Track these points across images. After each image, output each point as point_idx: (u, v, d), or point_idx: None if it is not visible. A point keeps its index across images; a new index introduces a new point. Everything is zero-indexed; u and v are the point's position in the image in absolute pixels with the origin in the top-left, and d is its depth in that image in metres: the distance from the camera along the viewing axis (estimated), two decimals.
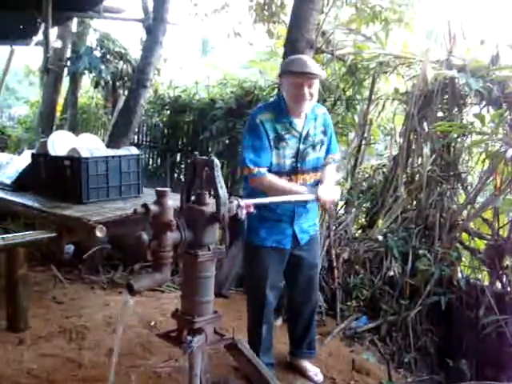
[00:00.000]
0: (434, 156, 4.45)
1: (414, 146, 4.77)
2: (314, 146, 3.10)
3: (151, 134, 7.09)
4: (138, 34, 7.53)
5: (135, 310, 4.27)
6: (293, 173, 3.07)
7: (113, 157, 4.46)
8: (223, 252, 2.37)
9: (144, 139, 7.18)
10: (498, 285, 4.20)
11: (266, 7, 7.03)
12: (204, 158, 2.34)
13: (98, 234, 3.69)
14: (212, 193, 2.31)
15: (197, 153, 2.43)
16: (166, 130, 6.97)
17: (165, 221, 2.15)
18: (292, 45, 4.75)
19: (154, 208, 2.12)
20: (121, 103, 6.80)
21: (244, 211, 2.49)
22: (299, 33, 4.72)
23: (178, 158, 6.85)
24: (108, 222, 3.79)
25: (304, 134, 3.06)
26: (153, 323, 4.08)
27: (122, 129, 5.76)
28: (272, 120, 3.01)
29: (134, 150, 4.73)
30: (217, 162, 2.29)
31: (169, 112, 6.95)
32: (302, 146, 3.05)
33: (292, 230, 3.14)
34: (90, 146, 4.63)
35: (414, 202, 4.70)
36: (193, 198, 2.39)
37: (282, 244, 3.15)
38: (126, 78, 7.08)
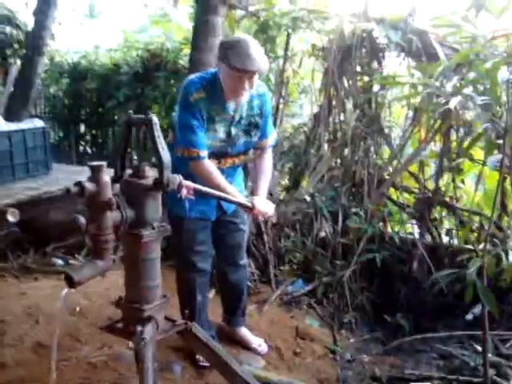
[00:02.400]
0: (357, 112, 4.36)
1: (334, 103, 4.66)
2: (246, 131, 2.89)
3: (49, 104, 6.53)
4: None
5: (55, 296, 3.91)
6: (222, 156, 2.87)
7: (16, 131, 4.03)
8: (168, 229, 2.12)
9: (42, 110, 6.61)
10: (429, 237, 4.25)
11: None
12: (140, 116, 2.06)
13: (10, 218, 3.32)
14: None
15: (131, 111, 2.13)
16: (66, 100, 6.44)
17: (103, 200, 1.86)
18: (204, 0, 4.46)
19: (89, 186, 1.83)
20: (13, 73, 6.18)
21: (184, 191, 2.25)
22: None
23: (83, 129, 6.37)
24: (20, 203, 3.41)
25: (237, 118, 2.82)
26: (78, 309, 3.75)
27: (20, 101, 5.24)
28: (206, 99, 2.72)
29: (39, 123, 4.31)
30: (155, 119, 2.03)
31: (68, 80, 6.42)
32: (233, 130, 2.83)
33: (217, 200, 2.94)
34: None
35: (339, 160, 4.61)
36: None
37: (206, 215, 2.99)
38: (16, 45, 6.43)
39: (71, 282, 1.80)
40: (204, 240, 3.06)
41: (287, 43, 4.98)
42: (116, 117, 6.14)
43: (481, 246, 3.95)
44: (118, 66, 5.92)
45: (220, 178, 2.78)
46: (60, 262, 4.69)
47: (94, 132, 6.40)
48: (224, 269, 3.28)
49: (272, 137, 3.06)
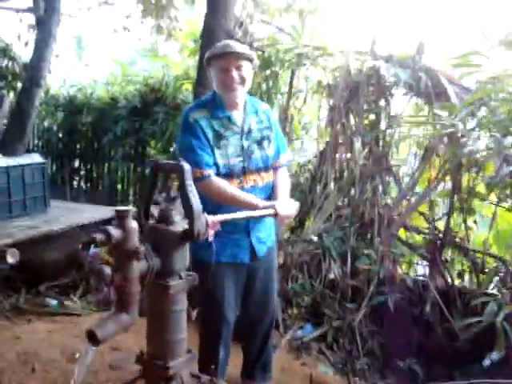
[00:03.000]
0: (366, 149, 4.27)
1: (340, 140, 4.58)
2: (259, 143, 2.74)
3: (43, 138, 6.37)
4: (20, 27, 6.70)
5: (52, 340, 3.72)
6: (241, 174, 2.69)
7: (14, 166, 3.87)
8: (196, 278, 1.97)
9: (36, 144, 6.44)
10: (440, 280, 4.13)
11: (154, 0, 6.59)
12: (169, 162, 1.93)
13: (10, 259, 3.13)
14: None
15: (158, 158, 1.99)
16: (60, 134, 6.29)
17: (130, 248, 1.72)
18: (209, 35, 4.38)
19: (116, 233, 1.68)
20: (6, 105, 6.03)
21: (211, 232, 2.11)
22: (216, 22, 4.37)
23: (77, 164, 6.21)
24: (19, 243, 3.23)
25: (246, 129, 2.71)
26: (77, 355, 3.54)
27: (16, 133, 5.08)
28: (207, 117, 2.65)
29: (37, 158, 4.15)
30: (187, 166, 1.89)
31: (63, 114, 6.28)
32: (245, 143, 2.69)
33: (249, 241, 2.75)
34: None
35: (346, 199, 4.49)
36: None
37: (238, 258, 2.76)
38: (10, 77, 6.30)
39: (95, 340, 1.63)
40: (234, 288, 2.81)
41: (291, 80, 4.92)
42: (112, 152, 5.99)
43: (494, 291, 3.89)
44: (115, 100, 5.80)
45: (232, 189, 2.61)
46: (54, 302, 4.48)
47: (88, 167, 6.24)
48: (250, 318, 3.00)
49: (286, 155, 2.93)
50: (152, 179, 1.96)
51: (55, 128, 6.33)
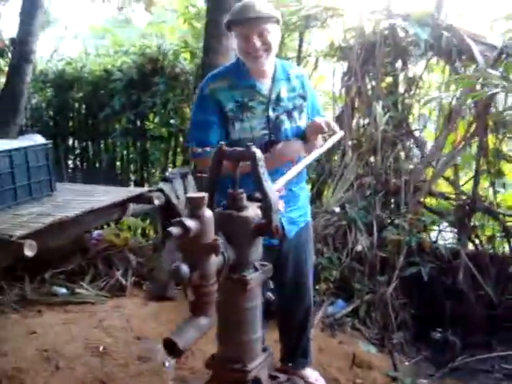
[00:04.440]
0: (387, 114, 4.06)
1: (356, 105, 4.37)
2: (289, 113, 2.46)
3: (33, 116, 6.03)
4: None
5: (70, 333, 3.50)
6: (269, 147, 2.43)
7: (17, 149, 3.58)
8: (270, 269, 1.76)
9: (25, 123, 6.08)
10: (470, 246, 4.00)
11: None
12: (237, 148, 1.70)
13: (28, 252, 2.88)
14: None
15: (223, 143, 1.75)
16: (51, 111, 5.95)
17: (207, 241, 1.50)
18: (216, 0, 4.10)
19: (193, 226, 1.45)
20: None
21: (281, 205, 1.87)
22: None
23: (71, 142, 5.89)
24: (35, 233, 2.98)
25: (273, 97, 2.42)
26: (101, 348, 3.33)
27: (9, 113, 4.75)
28: (229, 87, 2.40)
29: (40, 139, 3.87)
30: (259, 153, 1.66)
31: (52, 90, 5.92)
32: (272, 114, 2.42)
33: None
34: None
35: (366, 167, 4.30)
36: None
37: (266, 240, 2.53)
38: None
39: (176, 350, 1.42)
40: None
41: (300, 44, 4.66)
42: (109, 127, 5.68)
43: None
44: (109, 73, 5.47)
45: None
46: (63, 290, 4.24)
47: (83, 145, 5.93)
48: (285, 303, 2.79)
49: None
50: (216, 166, 1.72)
51: (44, 105, 5.99)
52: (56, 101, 5.84)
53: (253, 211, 1.67)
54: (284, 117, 2.45)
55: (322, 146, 2.44)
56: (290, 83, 2.48)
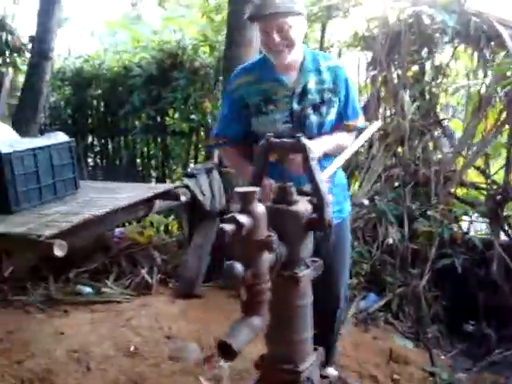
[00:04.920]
0: (415, 104, 3.97)
1: (382, 95, 4.28)
2: (315, 106, 2.35)
3: (52, 115, 5.99)
4: None
5: (99, 333, 3.46)
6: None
7: (41, 148, 3.53)
8: (321, 265, 1.69)
9: (44, 122, 6.05)
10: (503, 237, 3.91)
11: None
12: (286, 140, 1.63)
13: (58, 252, 2.82)
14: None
15: (271, 134, 1.68)
16: (69, 109, 5.91)
17: (260, 238, 1.43)
18: None
19: (246, 222, 1.39)
20: (7, 83, 5.63)
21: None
22: None
23: (90, 140, 5.85)
24: (64, 233, 2.93)
25: (298, 90, 2.33)
26: (132, 348, 3.28)
27: (29, 112, 4.71)
28: (255, 81, 2.36)
29: (63, 137, 3.81)
30: (309, 145, 1.59)
31: (70, 88, 5.88)
32: (296, 106, 2.33)
33: None
34: (3, 137, 3.67)
35: (394, 158, 4.22)
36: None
37: None
38: (7, 53, 5.85)
39: (230, 352, 1.35)
40: None
41: (322, 35, 4.58)
42: (129, 124, 5.63)
43: None
44: (127, 69, 5.42)
45: (236, 161, 2.50)
46: (88, 289, 4.21)
47: (103, 142, 5.88)
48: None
49: (356, 121, 2.48)
50: (263, 159, 1.66)
51: (63, 103, 5.95)
52: (74, 99, 5.79)
53: (303, 205, 1.60)
54: (310, 110, 2.34)
55: (359, 138, 2.37)
56: (320, 75, 2.37)
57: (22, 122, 4.65)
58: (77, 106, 5.84)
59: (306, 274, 1.60)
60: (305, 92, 2.35)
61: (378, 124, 2.47)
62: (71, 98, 5.87)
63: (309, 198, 1.67)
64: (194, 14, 5.71)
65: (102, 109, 5.92)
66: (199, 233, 4.18)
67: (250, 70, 2.43)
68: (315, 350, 1.72)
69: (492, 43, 3.95)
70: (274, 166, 1.88)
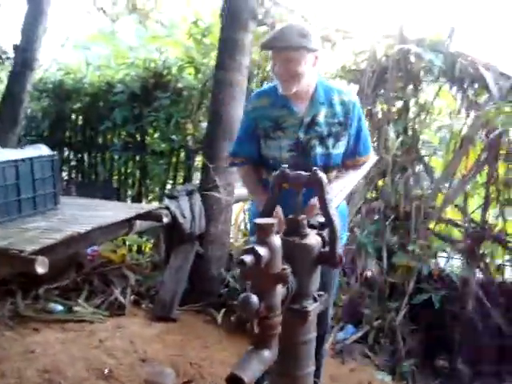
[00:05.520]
0: (399, 139, 4.03)
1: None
2: (322, 138, 2.41)
3: (29, 126, 5.86)
4: None
5: (71, 353, 3.37)
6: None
7: (23, 160, 3.45)
8: (327, 299, 1.69)
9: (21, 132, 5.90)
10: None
11: None
12: (302, 173, 1.63)
13: (40, 269, 2.76)
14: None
15: (285, 166, 1.68)
16: (47, 121, 5.79)
17: (275, 271, 1.42)
18: (232, 16, 4.04)
19: (265, 254, 1.38)
20: None
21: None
22: (239, 1, 4.02)
23: (66, 154, 5.74)
24: (45, 249, 2.86)
25: (307, 120, 2.39)
26: (106, 371, 3.20)
27: (8, 122, 4.60)
28: (270, 106, 2.44)
29: (45, 150, 3.74)
30: (324, 178, 1.60)
31: (49, 99, 5.77)
32: (303, 136, 2.39)
33: None
34: None
35: (374, 192, 4.27)
36: None
37: None
38: None
39: None
40: None
41: None
42: (108, 140, 5.56)
43: None
44: (110, 85, 5.37)
45: (250, 183, 2.60)
46: (59, 307, 4.10)
47: (79, 157, 5.78)
48: None
49: (370, 155, 2.56)
50: (276, 191, 1.66)
51: (40, 115, 5.83)
52: (53, 111, 5.70)
53: (314, 239, 1.60)
54: (316, 141, 2.41)
55: (359, 172, 2.40)
56: (331, 108, 2.42)
57: (0, 133, 4.53)
58: (55, 119, 5.73)
59: (315, 307, 1.59)
60: (313, 123, 2.40)
61: (375, 158, 2.51)
62: (50, 110, 5.76)
63: (317, 231, 1.67)
64: (177, 34, 5.70)
65: (81, 123, 5.83)
66: (178, 255, 4.13)
67: (267, 94, 2.49)
68: (315, 383, 1.71)
69: (475, 85, 4.05)
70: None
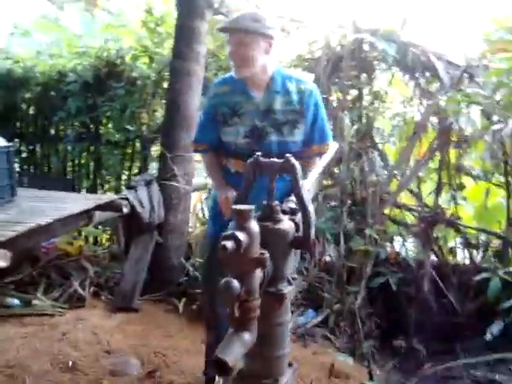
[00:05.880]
0: (355, 126, 4.12)
1: None
2: (277, 126, 2.48)
3: None
4: None
5: (33, 347, 3.34)
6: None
7: None
8: (301, 281, 1.74)
9: None
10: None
11: None
12: (274, 160, 1.67)
13: (1, 263, 2.71)
14: None
15: (258, 154, 1.72)
16: None
17: (254, 256, 1.46)
18: (188, 4, 4.02)
19: (244, 239, 1.41)
20: None
21: None
22: None
23: (18, 146, 5.59)
24: (6, 242, 2.81)
25: (263, 108, 2.47)
26: (70, 363, 3.18)
27: None
28: (229, 93, 2.53)
29: (1, 141, 3.65)
30: (297, 164, 1.64)
31: None
32: (258, 123, 2.47)
33: None
34: None
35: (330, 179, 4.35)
36: None
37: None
38: None
39: (225, 369, 1.36)
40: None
41: None
42: (61, 131, 5.45)
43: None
44: (62, 74, 5.25)
45: (212, 171, 2.70)
46: (16, 301, 4.03)
47: (31, 148, 5.64)
48: None
49: (323, 144, 2.56)
50: (250, 178, 1.69)
51: None
52: (2, 101, 5.54)
53: (287, 224, 1.65)
54: (271, 128, 2.48)
55: (321, 161, 2.46)
56: (288, 97, 2.49)
57: None
58: (4, 109, 5.57)
59: (290, 290, 1.63)
60: (269, 111, 2.47)
61: (336, 145, 2.57)
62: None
63: (290, 217, 1.71)
64: (128, 23, 5.61)
65: (33, 113, 5.69)
66: (137, 245, 4.12)
67: (228, 81, 2.56)
68: (290, 365, 1.75)
69: (427, 74, 4.18)
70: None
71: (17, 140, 5.58)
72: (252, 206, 1.48)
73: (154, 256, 4.16)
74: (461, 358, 3.65)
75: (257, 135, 2.47)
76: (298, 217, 1.72)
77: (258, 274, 1.49)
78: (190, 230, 4.53)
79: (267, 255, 1.49)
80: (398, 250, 4.18)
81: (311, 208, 1.64)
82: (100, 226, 5.16)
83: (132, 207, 4.00)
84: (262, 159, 1.67)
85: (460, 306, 3.84)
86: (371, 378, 3.29)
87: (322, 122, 2.58)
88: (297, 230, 1.68)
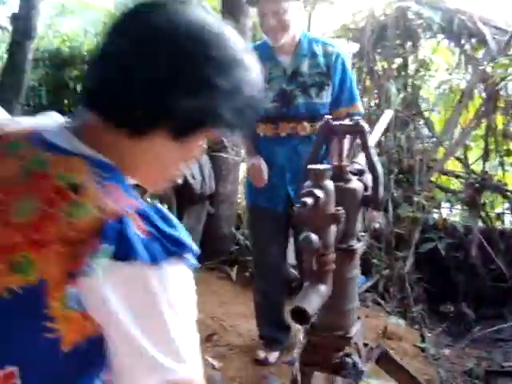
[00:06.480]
0: (401, 95, 4.15)
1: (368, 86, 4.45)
2: (305, 89, 2.56)
3: (27, 94, 5.83)
4: None
5: None
6: (279, 119, 2.58)
7: None
8: (367, 239, 1.83)
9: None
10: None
11: None
12: (344, 122, 1.75)
13: None
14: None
15: (329, 116, 1.80)
16: (44, 91, 5.78)
17: (330, 211, 1.55)
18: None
19: (322, 196, 1.50)
20: None
21: None
22: None
23: None
24: None
25: (289, 71, 2.56)
26: None
27: (11, 92, 4.61)
28: (259, 59, 2.56)
29: (58, 117, 3.76)
30: (366, 126, 1.72)
31: (47, 68, 5.75)
32: (286, 87, 2.56)
33: (285, 190, 2.68)
34: None
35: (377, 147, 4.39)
36: None
37: (272, 203, 2.71)
38: None
39: (304, 317, 1.46)
40: (269, 237, 2.80)
41: (308, 24, 4.70)
42: None
43: None
44: None
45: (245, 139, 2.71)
46: None
47: None
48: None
49: (352, 106, 2.63)
50: (320, 141, 1.77)
51: (36, 84, 5.81)
52: (51, 79, 5.69)
53: (356, 184, 1.73)
54: (299, 92, 2.55)
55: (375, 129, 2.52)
56: (314, 59, 2.56)
57: (3, 103, 4.51)
58: (54, 87, 5.72)
59: (360, 246, 1.72)
60: (296, 74, 2.55)
61: (390, 112, 2.62)
62: (47, 79, 5.75)
63: (358, 177, 1.80)
64: None
65: (80, 90, 5.82)
66: (190, 216, 4.24)
67: (255, 49, 2.55)
68: (358, 318, 1.85)
69: (473, 40, 4.16)
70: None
71: (66, 117, 5.71)
72: (328, 166, 1.57)
73: (205, 226, 4.27)
74: (509, 321, 3.70)
75: (285, 99, 2.55)
76: (365, 177, 1.80)
77: (333, 229, 1.57)
78: (239, 200, 4.64)
79: (342, 211, 1.57)
80: (445, 217, 4.21)
81: (379, 167, 1.71)
82: (151, 199, 5.29)
83: (184, 179, 4.12)
84: (331, 122, 1.75)
85: (508, 271, 3.86)
86: (423, 340, 3.36)
87: (350, 84, 2.64)
88: (365, 189, 1.76)
